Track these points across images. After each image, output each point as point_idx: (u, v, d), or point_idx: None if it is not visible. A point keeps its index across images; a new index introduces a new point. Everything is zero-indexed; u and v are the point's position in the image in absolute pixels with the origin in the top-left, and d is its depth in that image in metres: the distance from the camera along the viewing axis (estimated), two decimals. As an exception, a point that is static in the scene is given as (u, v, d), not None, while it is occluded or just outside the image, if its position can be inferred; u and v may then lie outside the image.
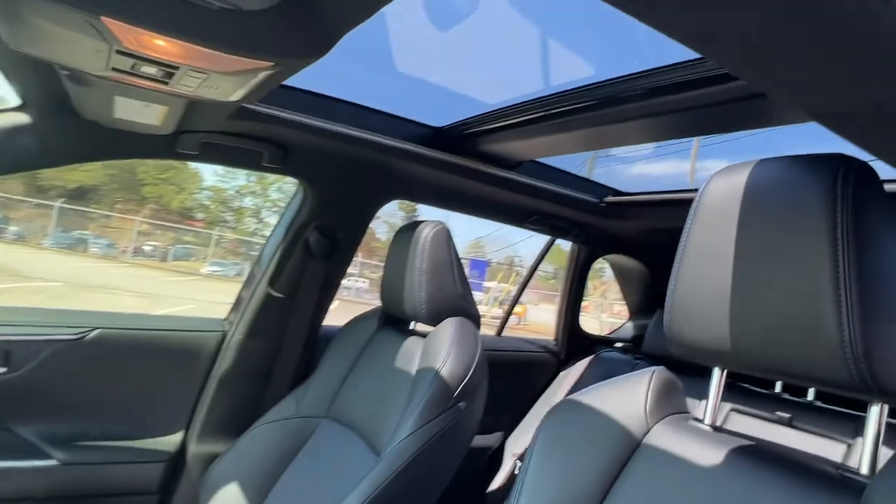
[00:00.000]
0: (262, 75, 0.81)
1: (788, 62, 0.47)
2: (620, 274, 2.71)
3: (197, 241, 18.35)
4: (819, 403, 1.52)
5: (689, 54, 0.93)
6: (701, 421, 0.69)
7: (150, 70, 0.82)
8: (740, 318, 0.55)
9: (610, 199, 1.89)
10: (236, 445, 1.39)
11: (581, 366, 2.27)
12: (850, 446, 1.32)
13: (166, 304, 9.72)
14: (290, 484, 1.29)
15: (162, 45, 0.71)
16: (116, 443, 1.41)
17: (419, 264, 1.31)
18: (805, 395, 1.59)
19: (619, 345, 2.51)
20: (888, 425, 0.58)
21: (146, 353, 1.45)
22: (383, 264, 1.47)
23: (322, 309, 1.68)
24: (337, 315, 1.74)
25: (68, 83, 0.96)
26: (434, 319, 1.30)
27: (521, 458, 1.97)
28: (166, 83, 0.88)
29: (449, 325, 1.26)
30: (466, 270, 1.45)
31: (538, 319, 12.95)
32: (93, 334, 1.37)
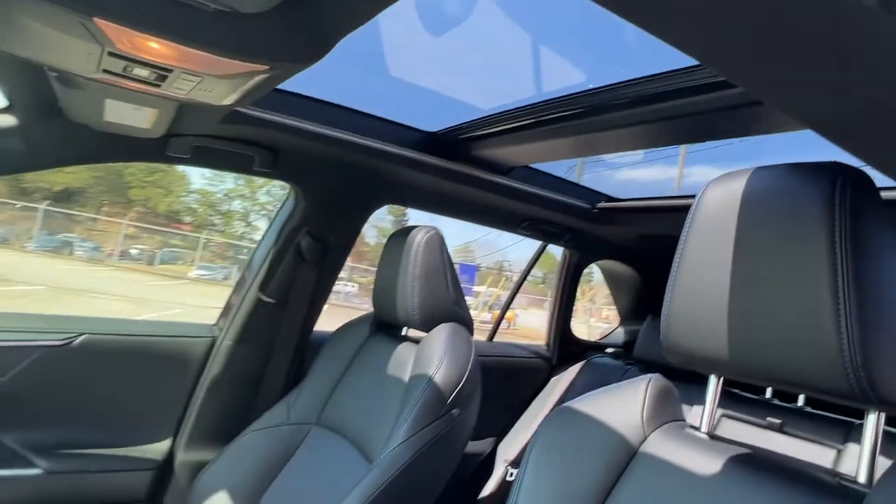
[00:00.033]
0: (256, 79, 0.81)
1: (785, 69, 0.48)
2: (611, 279, 2.72)
3: (184, 245, 18.12)
4: (809, 409, 1.53)
5: (680, 63, 0.94)
6: (697, 429, 0.69)
7: (143, 72, 0.80)
8: (738, 326, 0.55)
9: (602, 204, 1.89)
10: (225, 453, 1.37)
11: (573, 371, 2.27)
12: (840, 452, 1.33)
13: (153, 308, 9.62)
14: (281, 492, 1.27)
15: (156, 48, 0.70)
16: (103, 451, 1.38)
17: (412, 270, 1.30)
18: (795, 400, 1.60)
19: (610, 350, 2.52)
20: (885, 433, 0.58)
21: (134, 359, 1.43)
22: (372, 268, 1.46)
23: (313, 314, 1.66)
24: (326, 319, 1.73)
25: (57, 85, 0.94)
26: (427, 325, 1.29)
27: (513, 464, 1.97)
28: (159, 86, 0.86)
29: (442, 332, 1.26)
30: (457, 275, 1.44)
31: (527, 324, 13.06)
32: (79, 340, 1.34)
